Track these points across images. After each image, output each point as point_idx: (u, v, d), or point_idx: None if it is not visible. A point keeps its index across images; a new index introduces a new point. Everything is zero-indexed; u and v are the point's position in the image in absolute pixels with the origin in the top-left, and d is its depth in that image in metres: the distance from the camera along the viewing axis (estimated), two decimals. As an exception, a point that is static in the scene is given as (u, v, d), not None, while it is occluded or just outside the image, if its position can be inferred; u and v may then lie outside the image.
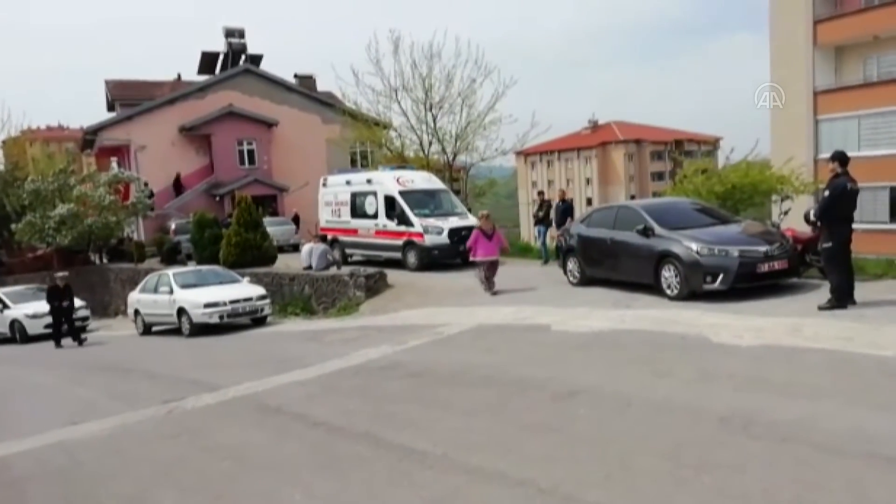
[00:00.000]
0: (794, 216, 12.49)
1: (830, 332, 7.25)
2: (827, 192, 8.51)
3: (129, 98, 33.33)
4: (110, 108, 35.69)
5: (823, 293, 8.73)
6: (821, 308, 8.36)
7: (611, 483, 4.18)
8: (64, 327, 16.04)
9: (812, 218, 8.91)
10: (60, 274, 17.09)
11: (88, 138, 33.29)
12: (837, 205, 8.37)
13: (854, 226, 8.57)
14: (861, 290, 8.61)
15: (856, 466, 4.07)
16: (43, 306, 18.92)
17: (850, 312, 8.10)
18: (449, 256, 16.55)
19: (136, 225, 29.16)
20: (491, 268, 12.78)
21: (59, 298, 15.92)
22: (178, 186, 31.39)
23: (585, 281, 12.24)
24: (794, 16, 26.45)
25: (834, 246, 8.43)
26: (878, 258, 11.32)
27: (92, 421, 7.50)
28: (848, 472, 4.01)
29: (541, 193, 19.15)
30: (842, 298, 8.35)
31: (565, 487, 4.15)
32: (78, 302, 19.64)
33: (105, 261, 27.27)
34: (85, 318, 19.42)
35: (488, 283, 12.72)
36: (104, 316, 22.79)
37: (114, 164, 31.65)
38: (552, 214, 16.74)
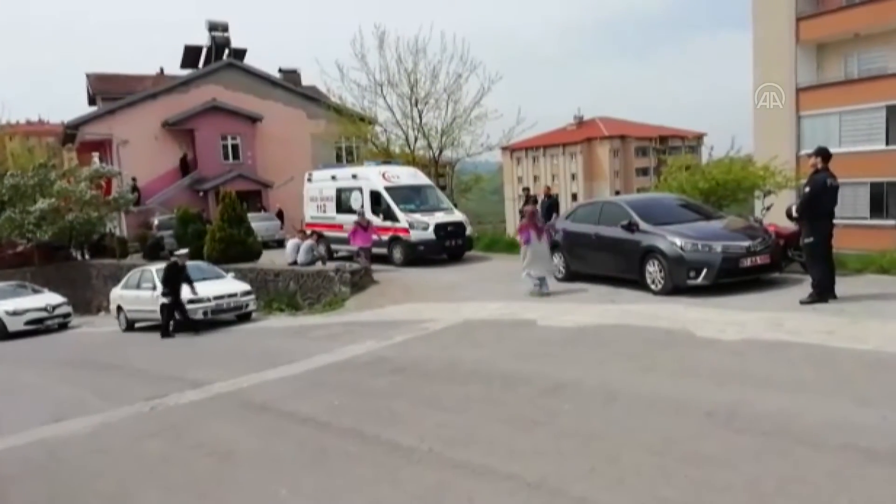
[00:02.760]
0: (777, 212, 12.61)
1: (812, 327, 7.34)
2: (807, 188, 8.61)
3: (111, 92, 32.90)
4: (91, 102, 35.23)
5: (805, 288, 8.84)
6: (802, 302, 8.46)
7: (597, 477, 4.21)
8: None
9: (794, 213, 9.00)
10: (181, 251, 14.92)
11: (69, 133, 32.84)
12: (818, 200, 8.47)
13: (835, 221, 8.67)
14: (842, 285, 8.73)
15: (836, 459, 4.13)
16: (24, 302, 18.72)
17: (831, 307, 8.20)
18: (435, 252, 16.54)
19: (119, 220, 28.85)
20: (367, 252, 15.69)
21: (178, 279, 13.94)
22: (185, 166, 31.39)
23: (570, 276, 12.29)
24: (776, 13, 26.67)
25: (815, 241, 8.53)
26: (858, 253, 11.46)
27: (74, 418, 7.42)
28: (829, 465, 4.06)
29: (525, 189, 19.24)
30: (823, 293, 8.45)
31: (552, 481, 4.17)
32: (59, 298, 19.46)
33: (87, 257, 26.95)
34: (67, 315, 19.21)
35: (367, 263, 15.28)
36: (86, 312, 22.53)
37: (95, 159, 31.29)
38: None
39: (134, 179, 28.75)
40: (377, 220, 17.09)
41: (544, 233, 11.72)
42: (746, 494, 3.79)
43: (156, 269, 16.04)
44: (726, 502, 3.75)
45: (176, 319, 13.87)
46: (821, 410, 4.93)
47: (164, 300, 13.85)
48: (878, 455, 4.10)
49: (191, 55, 34.98)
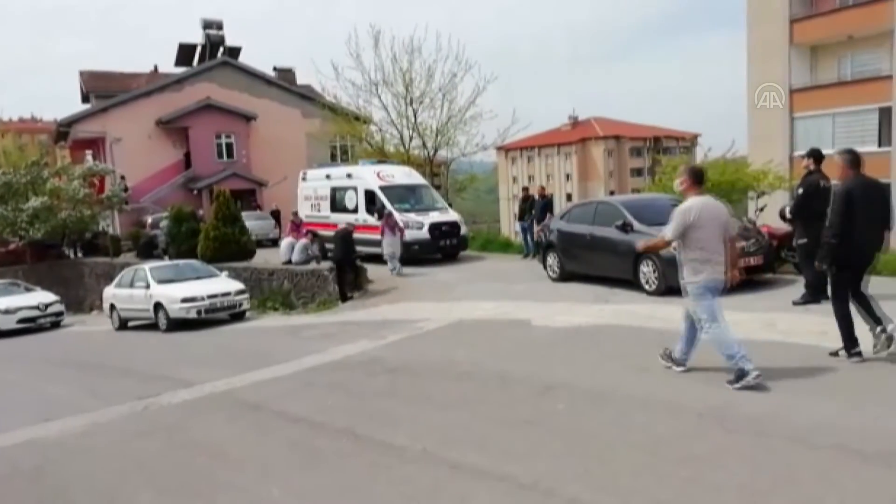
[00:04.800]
0: (770, 213, 12.65)
1: (804, 327, 7.38)
2: (800, 190, 8.65)
3: (105, 90, 32.79)
4: (85, 99, 35.08)
5: (798, 288, 8.87)
6: (795, 303, 8.50)
7: (590, 477, 4.21)
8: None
9: (787, 215, 9.03)
10: (347, 223, 15.31)
11: (62, 130, 32.71)
12: (811, 202, 8.50)
13: (828, 222, 8.70)
14: (834, 286, 8.74)
15: (827, 459, 4.15)
16: (16, 301, 18.60)
17: (823, 307, 8.17)
18: (429, 251, 16.54)
19: (112, 219, 28.74)
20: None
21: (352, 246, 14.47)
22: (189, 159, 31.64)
23: (565, 276, 12.30)
24: (771, 15, 26.79)
25: (808, 242, 8.55)
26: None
27: (65, 418, 7.35)
28: (819, 465, 4.08)
29: (525, 189, 19.32)
30: (816, 294, 8.47)
31: (545, 482, 4.17)
32: (51, 296, 19.36)
33: (80, 255, 26.81)
34: (59, 314, 19.12)
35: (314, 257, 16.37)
36: (79, 311, 22.41)
37: (88, 157, 31.11)
38: (534, 210, 16.86)
39: (123, 178, 28.59)
40: (372, 220, 17.10)
41: (396, 229, 15.24)
42: (739, 495, 3.80)
43: (149, 267, 15.99)
44: (719, 502, 3.76)
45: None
46: (812, 411, 4.94)
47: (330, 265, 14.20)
48: (870, 456, 4.12)
49: (185, 53, 34.88)
